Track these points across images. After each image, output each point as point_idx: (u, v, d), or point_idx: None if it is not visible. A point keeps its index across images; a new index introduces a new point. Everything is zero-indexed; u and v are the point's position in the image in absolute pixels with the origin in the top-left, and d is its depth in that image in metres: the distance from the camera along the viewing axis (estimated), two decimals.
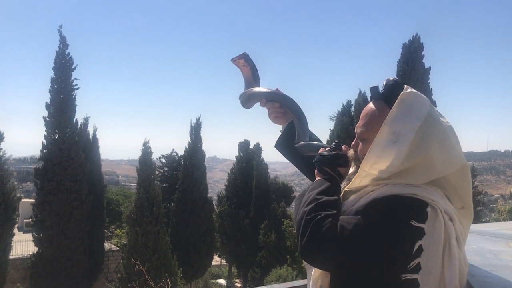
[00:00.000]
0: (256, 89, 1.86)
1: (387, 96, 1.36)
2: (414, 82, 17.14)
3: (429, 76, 17.66)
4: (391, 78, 1.38)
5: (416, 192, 1.27)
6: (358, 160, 1.41)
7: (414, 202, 1.26)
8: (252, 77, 1.91)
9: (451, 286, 1.27)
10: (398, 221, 1.23)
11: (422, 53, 17.73)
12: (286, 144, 1.85)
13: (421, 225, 1.22)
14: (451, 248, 1.27)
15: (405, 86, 1.35)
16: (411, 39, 17.92)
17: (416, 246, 1.22)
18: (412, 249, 1.22)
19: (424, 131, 1.28)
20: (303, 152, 1.68)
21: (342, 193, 1.43)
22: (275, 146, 1.91)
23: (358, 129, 1.43)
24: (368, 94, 18.28)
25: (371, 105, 1.42)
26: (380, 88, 1.38)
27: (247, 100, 1.88)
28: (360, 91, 18.94)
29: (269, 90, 1.81)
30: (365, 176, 1.35)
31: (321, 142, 1.76)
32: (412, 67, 17.34)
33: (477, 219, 18.45)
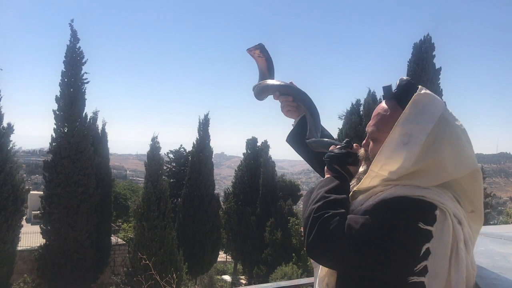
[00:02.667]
0: (270, 81, 1.85)
1: (399, 96, 1.34)
2: (425, 82, 17.03)
3: (440, 76, 17.55)
4: (405, 78, 1.36)
5: (425, 194, 1.25)
6: (369, 160, 1.40)
7: (422, 204, 1.24)
8: (267, 69, 1.90)
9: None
10: (405, 223, 1.22)
11: (433, 53, 17.61)
12: (297, 139, 1.84)
13: (429, 227, 1.21)
14: (459, 252, 1.25)
15: (420, 87, 1.33)
16: (422, 39, 17.80)
17: (423, 249, 1.20)
18: (419, 251, 1.20)
19: (436, 134, 1.26)
20: (314, 148, 1.67)
21: (351, 193, 1.41)
22: (286, 140, 1.90)
23: (369, 128, 1.41)
24: (378, 94, 18.22)
25: (383, 104, 1.40)
26: (393, 88, 1.36)
27: (261, 92, 1.87)
28: (370, 90, 18.84)
29: (283, 83, 1.80)
30: (375, 177, 1.33)
31: (333, 138, 1.74)
32: (423, 67, 17.22)
33: (486, 221, 18.29)
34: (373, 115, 1.42)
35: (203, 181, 22.36)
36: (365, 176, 1.36)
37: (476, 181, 1.34)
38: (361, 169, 1.47)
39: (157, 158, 18.14)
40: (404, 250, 1.21)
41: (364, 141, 1.46)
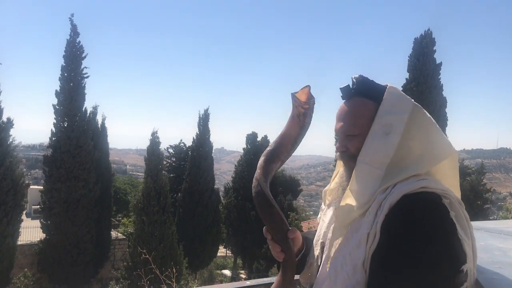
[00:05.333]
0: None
1: (365, 90, 1.37)
2: (425, 77, 17.02)
3: (440, 71, 17.52)
4: (357, 75, 1.39)
5: (425, 185, 1.23)
6: (353, 157, 1.35)
7: (439, 198, 1.21)
8: (295, 138, 1.48)
9: (474, 275, 1.23)
10: (442, 228, 1.16)
11: (434, 48, 17.59)
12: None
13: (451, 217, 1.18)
14: (472, 234, 1.26)
15: (387, 84, 1.38)
16: (423, 34, 17.77)
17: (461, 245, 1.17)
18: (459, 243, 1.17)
19: (413, 122, 1.32)
20: None
21: (345, 196, 1.34)
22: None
23: (343, 128, 1.38)
24: None
25: (351, 102, 1.39)
26: (352, 85, 1.39)
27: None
28: None
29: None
30: (369, 172, 1.30)
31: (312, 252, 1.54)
32: (423, 62, 17.21)
33: (485, 217, 18.36)
34: (341, 115, 1.40)
35: (203, 176, 22.38)
36: (354, 174, 1.33)
37: (455, 165, 1.39)
38: (339, 173, 1.49)
39: (157, 153, 18.14)
40: (454, 255, 1.16)
41: (338, 144, 1.42)
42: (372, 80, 1.39)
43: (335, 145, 1.49)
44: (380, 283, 1.16)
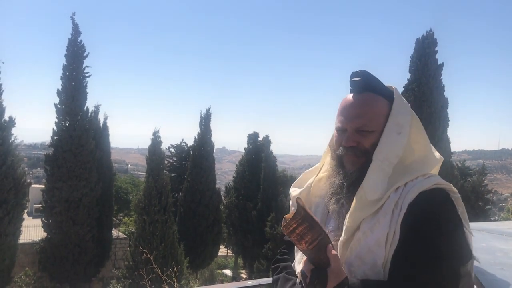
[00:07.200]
0: None
1: (377, 86, 1.37)
2: (427, 78, 16.99)
3: (442, 72, 17.48)
4: (359, 70, 1.37)
5: (438, 182, 1.28)
6: (367, 152, 1.33)
7: (448, 193, 1.29)
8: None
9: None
10: (455, 222, 1.25)
11: (436, 49, 17.55)
12: None
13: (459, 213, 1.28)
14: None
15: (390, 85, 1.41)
16: (425, 34, 17.73)
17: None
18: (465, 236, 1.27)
19: (413, 125, 1.37)
20: None
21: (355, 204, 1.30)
22: None
23: (358, 122, 1.33)
24: None
25: (365, 97, 1.35)
26: (362, 80, 1.37)
27: None
28: None
29: None
30: (381, 169, 1.30)
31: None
32: (425, 63, 17.18)
33: (486, 217, 18.32)
34: (356, 109, 1.35)
35: (204, 175, 22.37)
36: (370, 170, 1.30)
37: (439, 167, 1.45)
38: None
39: (158, 152, 18.14)
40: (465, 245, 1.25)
41: (347, 139, 1.34)
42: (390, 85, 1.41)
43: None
44: (408, 277, 1.17)
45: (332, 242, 1.27)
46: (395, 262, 1.21)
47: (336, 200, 1.36)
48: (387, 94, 1.38)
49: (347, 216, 1.30)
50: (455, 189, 1.29)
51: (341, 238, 1.30)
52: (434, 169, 1.39)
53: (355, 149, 1.33)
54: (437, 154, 1.41)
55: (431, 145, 1.42)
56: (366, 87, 1.35)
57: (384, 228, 1.23)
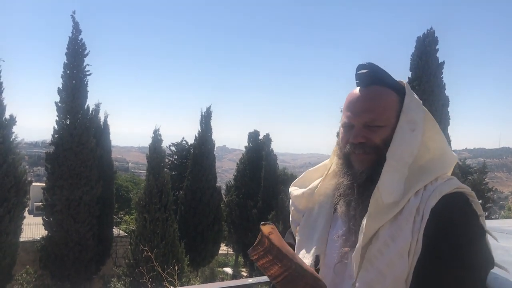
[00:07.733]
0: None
1: (386, 79, 1.28)
2: (428, 76, 16.97)
3: (443, 70, 17.47)
4: (366, 63, 1.28)
5: (458, 185, 1.19)
6: (379, 149, 1.24)
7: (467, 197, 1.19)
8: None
9: None
10: (480, 229, 1.16)
11: (436, 47, 17.52)
12: None
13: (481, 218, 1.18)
14: None
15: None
16: (426, 32, 17.69)
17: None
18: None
19: (428, 121, 1.28)
20: None
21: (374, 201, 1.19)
22: None
23: (368, 116, 1.24)
24: None
25: (374, 91, 1.27)
26: (370, 73, 1.28)
27: None
28: None
29: None
30: (397, 170, 1.21)
31: None
32: (426, 61, 17.15)
33: (487, 216, 18.33)
34: (364, 103, 1.26)
35: (205, 174, 22.38)
36: (385, 171, 1.20)
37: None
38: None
39: (159, 150, 18.14)
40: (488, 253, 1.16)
41: (355, 135, 1.26)
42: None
43: (337, 137, 1.38)
44: (436, 285, 1.09)
45: (344, 248, 1.22)
46: (419, 274, 1.11)
47: (345, 202, 1.27)
48: (397, 88, 1.28)
49: (364, 220, 1.17)
50: (473, 193, 1.20)
51: (357, 245, 1.17)
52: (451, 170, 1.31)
53: (364, 146, 1.24)
54: (453, 153, 1.32)
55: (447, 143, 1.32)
56: (374, 79, 1.26)
57: (407, 236, 1.12)
